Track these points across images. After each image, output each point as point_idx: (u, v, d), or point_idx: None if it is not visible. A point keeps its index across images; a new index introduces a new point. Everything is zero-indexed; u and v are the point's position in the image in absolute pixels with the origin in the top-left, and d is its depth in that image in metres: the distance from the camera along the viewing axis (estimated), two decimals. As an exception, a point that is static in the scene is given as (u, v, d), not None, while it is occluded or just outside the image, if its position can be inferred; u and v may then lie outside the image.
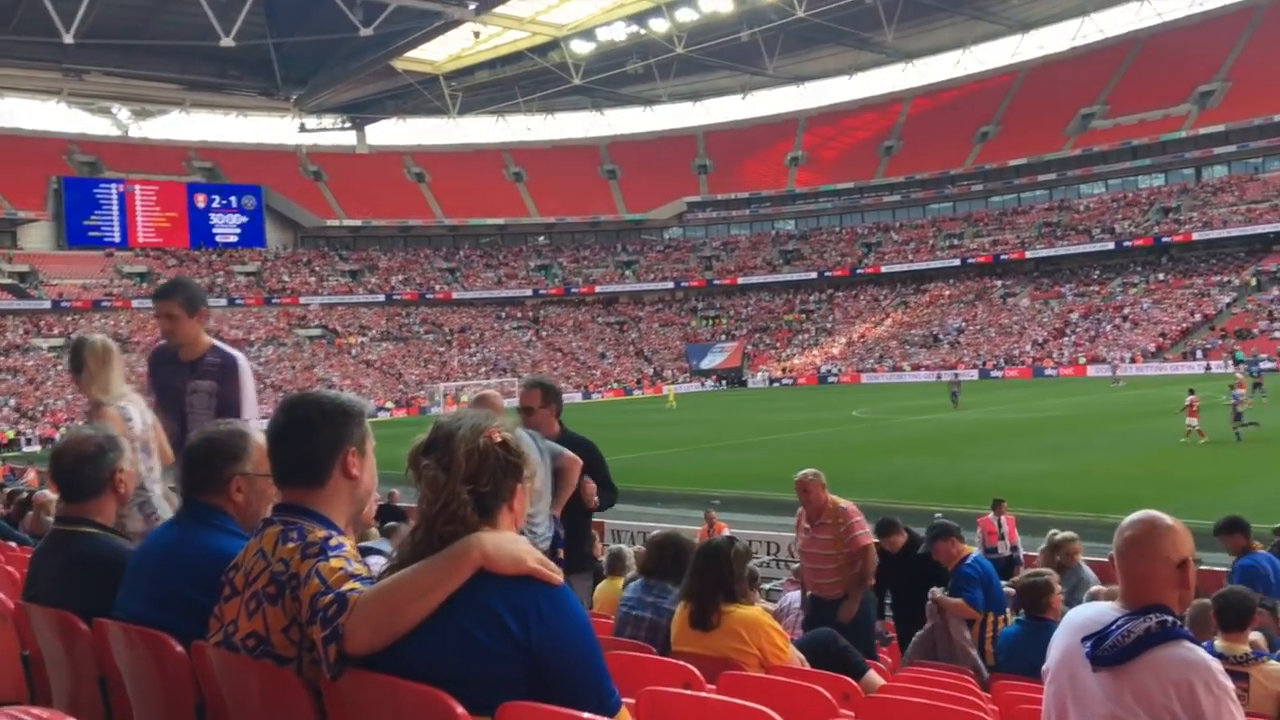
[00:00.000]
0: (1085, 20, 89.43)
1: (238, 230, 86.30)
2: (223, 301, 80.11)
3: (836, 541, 7.37)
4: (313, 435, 2.36)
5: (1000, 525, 14.91)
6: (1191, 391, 29.68)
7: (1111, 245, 76.91)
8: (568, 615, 2.06)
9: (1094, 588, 7.85)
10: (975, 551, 7.70)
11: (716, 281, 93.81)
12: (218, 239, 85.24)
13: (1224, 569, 12.39)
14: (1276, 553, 9.21)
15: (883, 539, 8.16)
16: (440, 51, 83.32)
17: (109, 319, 74.07)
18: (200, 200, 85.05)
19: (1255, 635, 5.59)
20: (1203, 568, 11.08)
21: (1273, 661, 5.09)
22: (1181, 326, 67.11)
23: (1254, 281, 68.83)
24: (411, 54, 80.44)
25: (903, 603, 8.16)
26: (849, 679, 4.15)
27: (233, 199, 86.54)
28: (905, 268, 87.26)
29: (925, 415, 42.49)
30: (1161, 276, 74.61)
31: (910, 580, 7.99)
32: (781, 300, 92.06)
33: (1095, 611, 2.71)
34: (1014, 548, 14.56)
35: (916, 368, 72.13)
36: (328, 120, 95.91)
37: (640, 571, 4.98)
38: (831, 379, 75.86)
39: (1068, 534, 8.90)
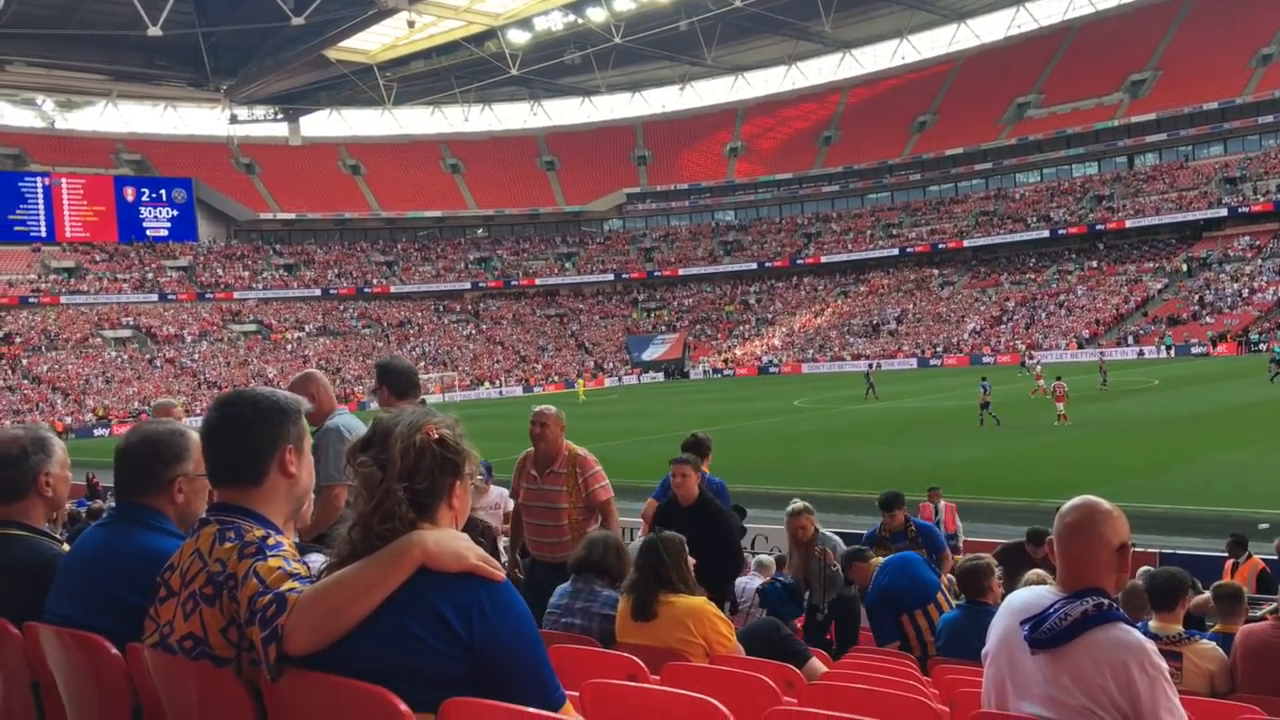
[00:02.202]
0: (1020, 9, 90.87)
1: (168, 224, 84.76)
2: (154, 297, 78.72)
3: (571, 493, 6.34)
4: (249, 434, 2.32)
5: (937, 512, 15.10)
6: (1059, 378, 32.15)
7: (1047, 233, 78.33)
8: (510, 612, 2.05)
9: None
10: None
11: (657, 273, 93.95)
12: (148, 233, 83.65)
13: (1155, 550, 12.69)
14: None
15: (674, 466, 6.86)
16: (374, 41, 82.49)
17: (37, 315, 72.40)
18: (129, 193, 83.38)
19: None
20: (1135, 550, 11.32)
21: (1204, 641, 5.21)
22: (1115, 313, 68.49)
23: (1185, 268, 70.43)
24: (345, 44, 79.57)
25: None
26: (792, 667, 4.18)
27: (163, 192, 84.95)
28: (844, 257, 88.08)
29: (866, 404, 42.95)
30: (1095, 264, 76.09)
31: (695, 536, 6.36)
32: (722, 291, 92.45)
33: (1034, 595, 2.76)
34: (952, 535, 14.68)
35: (857, 357, 72.83)
36: (259, 111, 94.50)
37: (571, 568, 4.94)
38: (773, 369, 76.36)
39: (797, 505, 8.11)
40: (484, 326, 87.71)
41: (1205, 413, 30.92)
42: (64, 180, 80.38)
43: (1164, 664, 2.53)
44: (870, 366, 55.95)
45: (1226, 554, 11.09)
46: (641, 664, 3.51)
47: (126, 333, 74.27)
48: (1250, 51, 76.11)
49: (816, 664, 4.76)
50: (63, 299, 74.93)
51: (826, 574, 7.40)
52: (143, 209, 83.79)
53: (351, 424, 5.13)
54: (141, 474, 2.70)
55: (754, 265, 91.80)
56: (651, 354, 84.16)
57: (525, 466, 6.60)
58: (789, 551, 7.89)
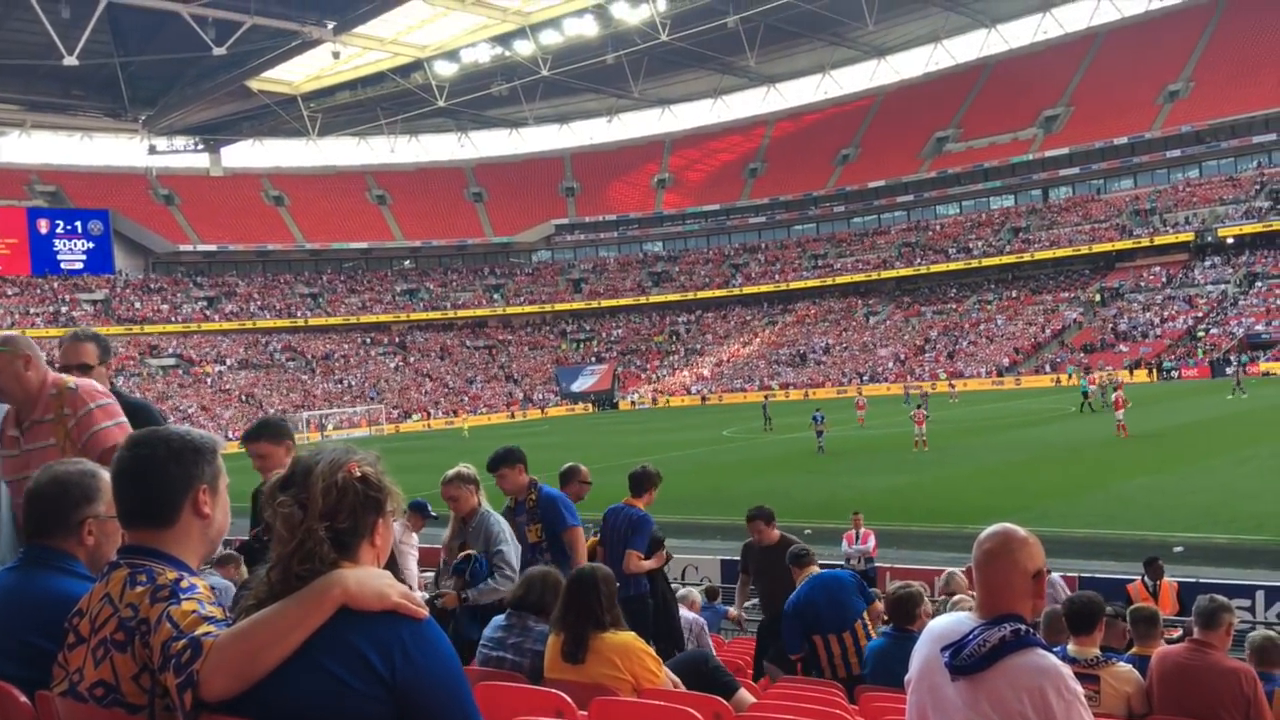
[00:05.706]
0: (938, 47, 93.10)
1: (84, 256, 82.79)
2: (68, 330, 76.70)
3: (62, 448, 3.58)
4: (161, 473, 2.25)
5: (856, 538, 15.43)
6: (920, 406, 35.81)
7: (966, 264, 79.92)
8: (434, 651, 2.03)
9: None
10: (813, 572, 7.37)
11: (586, 304, 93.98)
12: (63, 266, 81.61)
13: (1074, 575, 12.94)
14: None
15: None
16: (299, 72, 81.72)
17: (-55, 351, 70.06)
18: (43, 225, 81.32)
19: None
20: (1057, 574, 11.55)
21: (1121, 663, 5.32)
22: (1033, 341, 70.03)
23: (1098, 297, 72.35)
24: (268, 74, 78.68)
25: None
26: (720, 699, 4.18)
27: (78, 224, 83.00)
28: (772, 288, 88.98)
29: (794, 434, 43.22)
30: (1014, 294, 77.82)
31: None
32: (651, 322, 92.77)
33: (954, 621, 2.79)
34: (869, 560, 14.99)
35: (785, 386, 73.46)
36: (179, 142, 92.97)
37: (508, 605, 4.87)
38: (703, 400, 76.66)
39: (458, 470, 6.40)
40: (411, 359, 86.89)
41: (1120, 438, 31.68)
42: (-26, 212, 78.24)
43: (1080, 688, 2.58)
44: (766, 398, 56.79)
45: (1143, 575, 11.39)
46: (569, 700, 3.49)
47: (40, 368, 72.20)
48: (1158, 88, 78.76)
49: (745, 695, 4.76)
50: (-27, 333, 72.76)
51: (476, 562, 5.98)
52: (57, 241, 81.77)
53: None
54: (51, 516, 2.62)
55: (682, 296, 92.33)
56: (581, 385, 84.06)
57: (5, 428, 3.81)
58: (449, 526, 6.52)
